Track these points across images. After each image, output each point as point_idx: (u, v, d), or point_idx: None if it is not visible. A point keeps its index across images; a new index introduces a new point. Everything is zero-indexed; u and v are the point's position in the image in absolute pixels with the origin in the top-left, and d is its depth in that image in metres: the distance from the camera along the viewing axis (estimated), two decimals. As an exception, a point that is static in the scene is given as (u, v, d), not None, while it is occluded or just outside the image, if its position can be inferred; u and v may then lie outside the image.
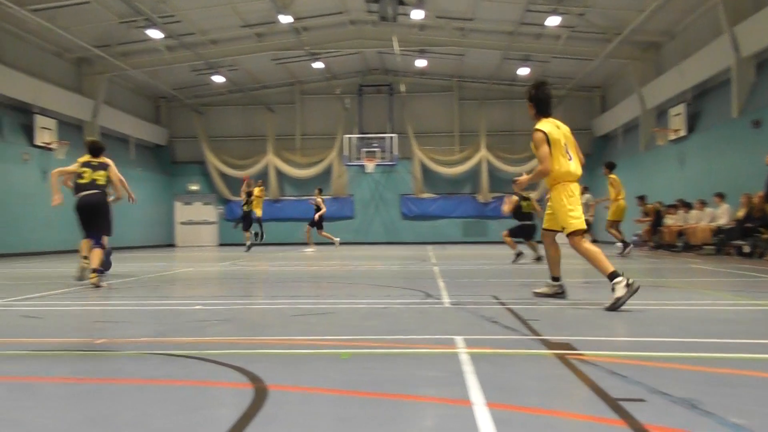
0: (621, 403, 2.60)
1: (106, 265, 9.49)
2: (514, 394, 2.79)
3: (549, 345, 3.88)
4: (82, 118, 22.43)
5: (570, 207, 5.97)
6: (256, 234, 20.59)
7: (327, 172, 28.51)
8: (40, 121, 19.50)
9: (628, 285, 5.36)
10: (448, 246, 23.78)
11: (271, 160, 28.48)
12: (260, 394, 2.79)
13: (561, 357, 3.51)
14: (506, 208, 13.17)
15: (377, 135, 27.70)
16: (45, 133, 19.61)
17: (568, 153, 6.08)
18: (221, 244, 28.87)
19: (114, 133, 24.93)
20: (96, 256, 8.40)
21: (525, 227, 13.28)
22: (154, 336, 4.40)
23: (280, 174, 28.77)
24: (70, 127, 21.75)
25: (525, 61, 24.25)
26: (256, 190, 20.03)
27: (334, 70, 27.60)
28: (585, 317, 5.23)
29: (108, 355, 3.78)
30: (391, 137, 27.30)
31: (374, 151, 27.12)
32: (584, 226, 6.05)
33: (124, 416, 2.51)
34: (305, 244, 21.38)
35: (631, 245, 14.87)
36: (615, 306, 5.33)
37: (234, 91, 28.46)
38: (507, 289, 7.50)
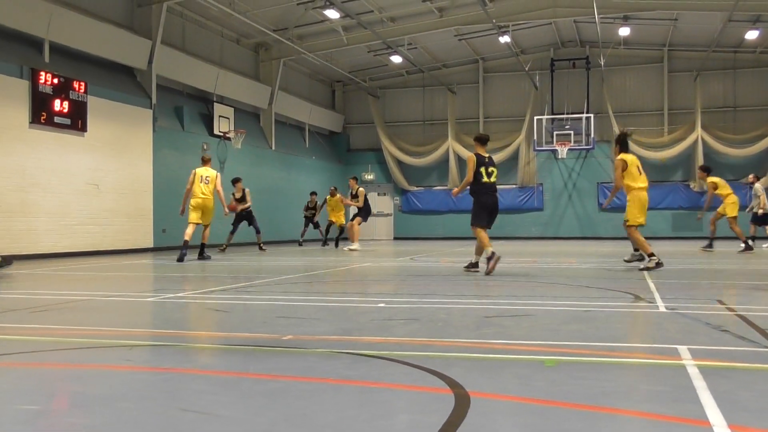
0: None
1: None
2: (762, 416, 2.59)
3: (799, 362, 3.57)
4: (259, 106, 24.06)
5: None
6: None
7: (513, 158, 28.20)
8: (218, 109, 21.19)
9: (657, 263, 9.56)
10: (654, 241, 22.56)
11: (452, 145, 28.68)
12: (462, 401, 2.83)
13: (817, 377, 3.21)
14: None
15: (572, 116, 26.89)
16: (223, 121, 21.27)
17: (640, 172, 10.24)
18: (396, 238, 29.63)
19: (290, 121, 26.49)
20: None
21: None
22: (340, 334, 4.62)
23: (461, 161, 28.81)
24: (246, 115, 23.44)
25: (755, 23, 22.31)
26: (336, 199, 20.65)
27: (522, 44, 27.20)
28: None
29: (298, 353, 4.02)
30: (588, 118, 26.38)
31: (568, 134, 26.34)
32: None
33: (323, 417, 2.65)
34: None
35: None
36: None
37: (412, 72, 29.03)
38: (735, 292, 6.99)
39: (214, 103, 21.17)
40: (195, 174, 13.51)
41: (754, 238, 17.79)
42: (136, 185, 17.69)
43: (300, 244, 22.35)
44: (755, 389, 3.03)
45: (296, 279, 9.12)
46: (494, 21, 21.83)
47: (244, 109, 23.44)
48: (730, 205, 15.70)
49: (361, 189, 18.56)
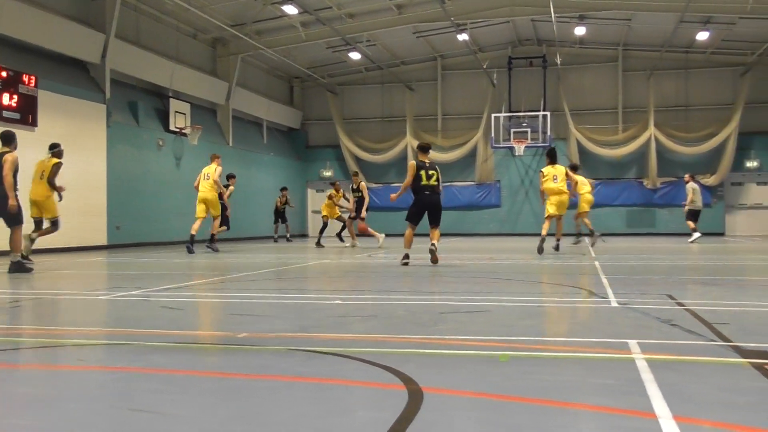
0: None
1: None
2: (706, 408, 2.67)
3: (743, 353, 3.68)
4: (216, 101, 23.81)
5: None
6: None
7: (471, 156, 28.39)
8: (174, 105, 20.91)
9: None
10: (609, 238, 22.98)
11: (410, 142, 28.75)
12: (415, 396, 2.84)
13: (759, 367, 3.32)
14: None
15: (528, 113, 27.18)
16: (179, 117, 21.00)
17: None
18: (359, 236, 29.54)
19: (247, 117, 26.28)
20: None
21: None
22: (296, 331, 4.60)
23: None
24: (203, 111, 23.19)
25: (705, 24, 22.82)
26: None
27: (480, 42, 27.38)
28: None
29: (252, 350, 4.00)
30: (545, 115, 26.68)
31: (525, 132, 26.62)
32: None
33: (277, 415, 2.65)
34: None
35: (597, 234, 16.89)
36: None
37: (371, 69, 29.02)
38: (684, 287, 7.15)
39: (170, 99, 20.88)
40: (201, 173, 15.25)
41: (694, 231, 18.82)
42: (90, 181, 17.35)
43: (275, 241, 22.64)
44: (701, 381, 3.11)
45: (253, 276, 9.07)
46: (452, 19, 21.94)
47: (201, 105, 23.17)
48: (584, 203, 17.36)
49: (363, 183, 18.55)
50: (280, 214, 23.22)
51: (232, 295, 7.00)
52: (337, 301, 6.30)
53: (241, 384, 3.18)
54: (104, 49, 17.82)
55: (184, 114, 21.29)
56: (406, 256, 10.76)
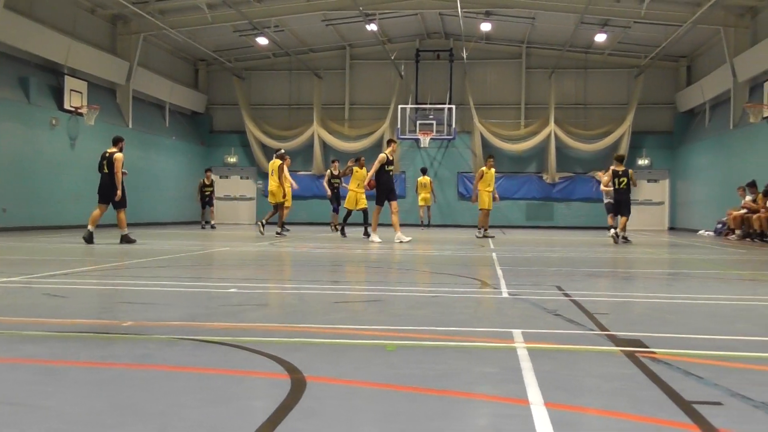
0: (695, 406, 2.59)
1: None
2: (575, 394, 2.79)
3: (617, 341, 3.86)
4: (115, 81, 22.93)
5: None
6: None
7: (377, 146, 28.41)
8: (70, 83, 19.99)
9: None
10: (509, 230, 23.61)
11: (317, 131, 28.63)
12: (297, 385, 2.84)
13: (630, 355, 3.49)
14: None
15: (434, 106, 27.50)
16: (75, 96, 20.10)
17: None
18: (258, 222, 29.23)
19: (149, 98, 25.45)
20: None
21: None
22: (185, 320, 4.51)
23: (326, 147, 28.86)
24: (101, 91, 22.28)
25: (603, 26, 23.72)
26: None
27: (389, 33, 27.50)
28: (658, 312, 5.20)
29: (135, 339, 3.89)
30: (450, 109, 27.09)
31: (431, 124, 26.92)
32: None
33: (153, 405, 2.58)
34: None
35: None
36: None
37: (279, 55, 28.66)
38: (573, 279, 7.42)
39: (65, 76, 19.94)
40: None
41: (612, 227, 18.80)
42: (-25, 161, 16.44)
43: (204, 227, 22.09)
44: (574, 369, 3.25)
45: (149, 263, 8.82)
46: (361, 8, 21.92)
47: (99, 84, 22.24)
48: (483, 200, 17.86)
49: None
50: (205, 198, 22.26)
51: (123, 282, 6.79)
52: (232, 290, 6.21)
53: (119, 374, 3.09)
54: (-7, 21, 16.87)
55: (81, 93, 20.40)
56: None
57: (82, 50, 20.67)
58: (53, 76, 19.89)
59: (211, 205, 22.45)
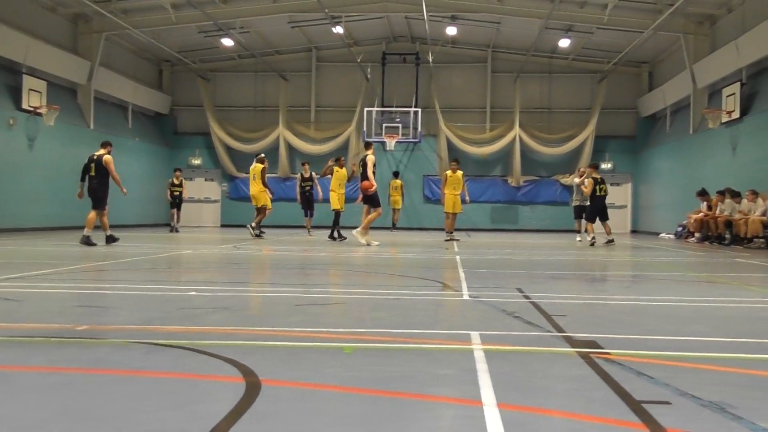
0: (644, 405, 2.64)
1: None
2: (528, 395, 2.81)
3: (573, 343, 3.91)
4: (76, 81, 22.57)
5: None
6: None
7: (343, 149, 28.43)
8: (28, 82, 19.59)
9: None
10: (473, 233, 23.74)
11: (283, 133, 28.50)
12: (252, 388, 2.83)
13: (585, 356, 3.54)
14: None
15: (400, 109, 27.57)
16: (34, 95, 19.72)
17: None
18: (224, 225, 29.05)
19: (111, 99, 25.09)
20: None
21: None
22: (141, 323, 4.46)
23: (292, 149, 28.73)
24: (62, 90, 21.90)
25: (567, 32, 24.00)
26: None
27: (355, 36, 27.50)
28: (616, 314, 5.27)
29: (90, 343, 3.83)
30: (416, 112, 27.16)
31: (396, 127, 26.98)
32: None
33: (105, 410, 2.55)
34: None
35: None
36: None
37: (244, 57, 28.49)
38: (534, 281, 7.49)
39: (24, 75, 19.55)
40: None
41: (579, 231, 18.63)
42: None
43: (173, 230, 21.54)
44: (529, 370, 3.28)
45: (110, 266, 8.70)
46: (327, 11, 21.89)
47: (59, 84, 21.85)
48: (446, 203, 17.84)
49: (314, 173, 19.32)
50: (175, 199, 21.54)
51: (79, 285, 6.69)
52: (191, 293, 6.15)
53: (71, 379, 3.04)
54: (-51, 19, 16.50)
55: (40, 92, 20.01)
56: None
57: (42, 49, 20.31)
58: (11, 75, 19.48)
59: (178, 207, 21.66)
